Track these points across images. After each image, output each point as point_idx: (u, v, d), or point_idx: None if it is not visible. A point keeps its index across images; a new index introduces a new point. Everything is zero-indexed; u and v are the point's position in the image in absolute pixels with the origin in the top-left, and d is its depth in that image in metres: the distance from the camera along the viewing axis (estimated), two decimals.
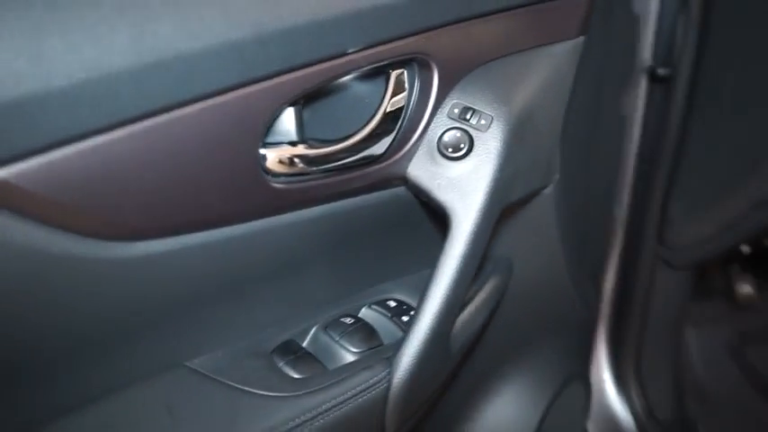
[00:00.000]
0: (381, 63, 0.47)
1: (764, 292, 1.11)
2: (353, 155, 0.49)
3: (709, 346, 1.10)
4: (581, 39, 0.58)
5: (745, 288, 1.07)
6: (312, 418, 0.47)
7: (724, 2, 0.75)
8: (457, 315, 0.53)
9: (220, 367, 0.49)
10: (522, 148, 0.52)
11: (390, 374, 0.50)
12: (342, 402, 0.48)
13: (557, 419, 0.73)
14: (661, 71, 0.82)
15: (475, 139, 0.49)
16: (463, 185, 0.49)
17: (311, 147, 0.48)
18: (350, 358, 0.52)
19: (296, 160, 0.48)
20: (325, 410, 0.48)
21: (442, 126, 0.50)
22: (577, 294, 0.77)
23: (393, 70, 0.49)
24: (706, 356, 1.08)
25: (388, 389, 0.51)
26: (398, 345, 0.51)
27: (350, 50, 0.45)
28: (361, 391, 0.49)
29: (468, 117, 0.50)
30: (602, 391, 0.88)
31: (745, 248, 0.90)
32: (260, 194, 0.46)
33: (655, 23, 0.78)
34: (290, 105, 0.47)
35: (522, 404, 0.72)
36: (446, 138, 0.50)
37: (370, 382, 0.50)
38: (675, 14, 0.79)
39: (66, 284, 0.41)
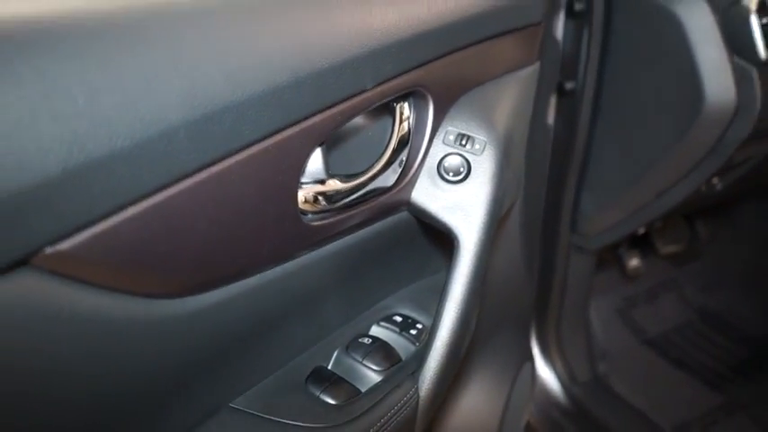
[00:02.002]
0: (390, 97, 0.52)
1: (648, 264, 1.31)
2: (369, 187, 0.54)
3: (605, 312, 1.28)
4: (538, 63, 0.67)
5: (634, 262, 1.25)
6: None
7: (620, 25, 0.89)
8: (472, 327, 0.60)
9: (262, 403, 0.51)
10: (509, 168, 0.60)
11: (417, 390, 0.56)
12: (383, 424, 0.54)
13: (516, 398, 0.84)
14: (568, 85, 0.95)
15: (472, 163, 0.56)
16: (466, 207, 0.56)
17: (334, 183, 0.52)
18: (376, 377, 0.57)
19: (319, 197, 0.52)
20: (367, 428, 0.53)
21: (440, 152, 0.56)
22: (528, 284, 0.87)
23: (397, 103, 0.55)
24: (603, 321, 1.25)
25: (417, 403, 0.57)
26: (420, 360, 0.57)
27: (368, 87, 0.49)
28: (396, 410, 0.55)
29: (463, 143, 0.56)
30: (532, 365, 1.01)
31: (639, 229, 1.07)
32: (297, 235, 0.50)
33: (562, 44, 0.91)
34: (319, 145, 0.50)
35: (490, 389, 0.82)
36: (446, 163, 0.56)
37: (403, 400, 0.55)
38: (580, 36, 0.92)
39: (119, 344, 0.41)
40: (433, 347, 0.57)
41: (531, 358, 0.90)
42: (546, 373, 1.06)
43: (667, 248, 1.33)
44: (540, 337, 1.08)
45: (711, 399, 1.14)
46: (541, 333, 1.08)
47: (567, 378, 1.06)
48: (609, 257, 1.30)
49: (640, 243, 1.29)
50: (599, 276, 1.27)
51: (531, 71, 0.66)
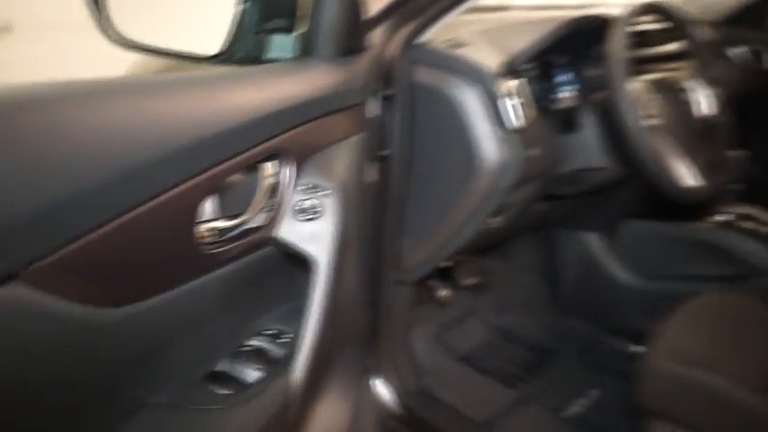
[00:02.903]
0: (260, 158, 0.71)
1: (455, 295, 1.60)
2: (246, 226, 0.72)
3: (426, 336, 1.53)
4: (362, 134, 0.90)
5: (443, 292, 1.53)
6: (248, 416, 0.67)
7: (420, 106, 1.16)
8: (328, 330, 0.78)
9: (174, 397, 0.65)
10: (349, 209, 0.81)
11: (289, 380, 0.74)
12: (265, 405, 0.70)
13: (361, 405, 1.02)
14: (384, 152, 1.20)
15: (323, 206, 0.76)
16: (319, 238, 0.75)
17: (221, 223, 0.69)
18: (257, 374, 0.74)
19: (211, 233, 0.68)
20: (254, 411, 0.69)
21: (299, 198, 0.76)
22: (364, 311, 1.08)
23: (263, 163, 0.73)
24: (425, 344, 1.50)
25: (289, 390, 0.74)
26: (289, 359, 0.74)
27: (246, 148, 0.68)
28: (275, 395, 0.71)
29: (316, 191, 0.76)
30: (372, 379, 1.21)
31: (445, 264, 1.33)
32: (195, 261, 0.66)
33: (380, 120, 1.16)
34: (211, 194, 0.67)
35: (339, 397, 0.99)
36: (303, 206, 0.76)
37: (279, 387, 0.72)
38: (392, 114, 1.18)
39: (72, 343, 0.55)
40: (300, 349, 0.75)
41: (371, 373, 1.10)
42: (381, 387, 1.27)
43: (467, 281, 1.63)
44: (377, 356, 1.28)
45: (510, 395, 1.43)
46: (377, 353, 1.28)
47: (398, 390, 1.27)
48: (425, 292, 1.56)
49: (448, 277, 1.58)
50: (420, 307, 1.52)
51: (358, 139, 0.89)
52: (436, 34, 1.12)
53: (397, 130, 1.15)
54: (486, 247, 1.62)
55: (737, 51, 1.88)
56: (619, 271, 1.58)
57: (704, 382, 0.98)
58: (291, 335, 0.79)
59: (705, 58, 1.28)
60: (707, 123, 1.25)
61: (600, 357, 1.57)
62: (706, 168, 1.17)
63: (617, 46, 1.09)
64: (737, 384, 0.95)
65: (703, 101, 1.23)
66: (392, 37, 1.05)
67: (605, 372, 1.52)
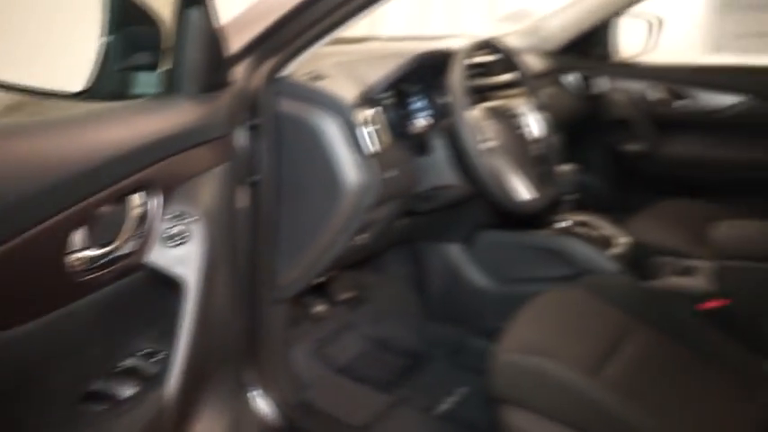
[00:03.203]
0: (129, 190, 0.76)
1: (331, 310, 1.69)
2: (118, 253, 0.76)
3: (305, 352, 1.60)
4: (228, 163, 0.97)
5: (318, 308, 1.61)
6: (121, 429, 0.71)
7: (287, 133, 1.24)
8: (200, 346, 0.84)
9: (52, 420, 0.68)
10: (217, 234, 0.87)
11: (162, 394, 0.78)
12: (140, 417, 0.74)
13: (242, 420, 1.07)
14: (254, 178, 1.27)
15: (191, 231, 0.82)
16: (189, 262, 0.81)
17: (93, 251, 0.73)
18: (133, 390, 0.78)
19: (77, 262, 0.72)
20: (128, 423, 0.73)
21: (168, 225, 0.81)
22: (239, 330, 1.13)
23: (131, 195, 0.78)
24: (305, 359, 1.57)
25: (161, 402, 0.78)
26: (162, 375, 0.79)
27: (113, 182, 0.73)
28: (149, 407, 0.76)
29: (184, 218, 0.82)
30: (252, 393, 1.26)
31: (320, 280, 1.42)
32: (67, 289, 0.69)
33: (249, 148, 1.23)
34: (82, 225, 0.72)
35: (217, 414, 1.03)
36: (172, 232, 0.81)
37: (154, 400, 0.77)
38: (259, 143, 1.25)
39: None
40: (173, 364, 0.80)
41: (250, 387, 1.15)
42: (261, 401, 1.32)
43: (342, 296, 1.73)
44: (256, 372, 1.33)
45: (385, 399, 1.53)
46: (256, 368, 1.33)
47: (278, 402, 1.33)
48: (302, 308, 1.64)
49: (323, 293, 1.66)
50: (300, 325, 1.59)
51: (224, 168, 0.96)
52: (298, 66, 1.21)
53: (264, 157, 1.22)
54: (358, 262, 1.72)
55: (570, 78, 2.15)
56: (477, 277, 1.74)
57: (546, 368, 1.12)
58: (165, 353, 0.84)
59: (534, 86, 1.48)
60: (538, 143, 1.44)
61: (466, 358, 1.72)
62: (538, 183, 1.36)
63: (456, 77, 1.24)
64: (574, 369, 1.11)
65: (534, 124, 1.42)
66: (255, 72, 1.13)
67: (471, 371, 1.67)
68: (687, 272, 1.59)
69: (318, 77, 1.23)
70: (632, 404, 1.03)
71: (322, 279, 1.42)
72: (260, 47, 1.13)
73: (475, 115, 1.29)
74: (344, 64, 1.31)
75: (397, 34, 1.82)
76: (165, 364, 0.80)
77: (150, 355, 0.83)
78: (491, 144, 1.28)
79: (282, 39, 1.13)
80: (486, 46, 1.37)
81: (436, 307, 1.82)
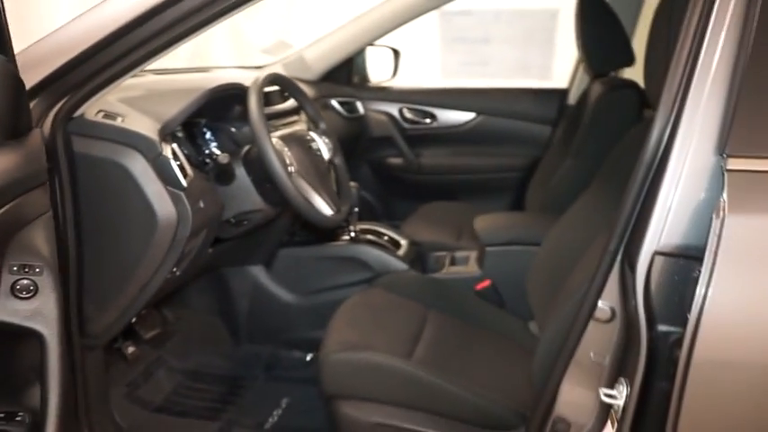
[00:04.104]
0: None
1: (141, 350, 1.64)
2: None
3: (119, 398, 1.54)
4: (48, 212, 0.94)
5: (131, 349, 1.56)
6: None
7: (86, 173, 1.20)
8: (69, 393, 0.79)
9: None
10: (61, 281, 0.84)
11: None
12: None
13: None
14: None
15: (38, 283, 0.79)
16: (45, 315, 0.78)
17: None
18: None
19: None
20: None
21: (11, 280, 0.77)
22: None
23: None
24: (119, 405, 1.51)
25: None
26: None
27: None
28: None
29: (26, 270, 0.79)
30: None
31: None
32: None
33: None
34: None
35: None
36: (18, 286, 0.77)
37: None
38: (54, 186, 1.19)
39: None
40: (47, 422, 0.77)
41: None
42: None
43: (149, 334, 1.69)
44: (86, 421, 1.25)
45: (214, 426, 1.55)
46: (79, 421, 1.26)
47: None
48: (114, 352, 1.56)
49: (132, 335, 1.61)
50: (115, 369, 1.52)
51: (46, 217, 0.93)
52: (86, 106, 1.18)
53: (59, 200, 1.17)
54: (163, 298, 1.70)
55: (333, 102, 2.38)
56: (282, 293, 1.85)
57: (370, 360, 1.28)
58: (23, 413, 0.79)
59: (312, 111, 1.64)
60: (329, 164, 1.61)
61: (282, 371, 1.81)
62: (336, 199, 1.52)
63: (254, 107, 1.34)
64: (393, 356, 1.28)
65: (323, 147, 1.58)
66: (47, 113, 1.09)
67: (289, 381, 1.76)
68: (460, 261, 1.91)
69: (113, 115, 1.22)
70: (440, 373, 1.25)
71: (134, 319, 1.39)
72: (52, 86, 1.09)
73: (276, 142, 1.40)
74: (132, 100, 1.31)
75: (176, 67, 1.84)
76: (30, 423, 0.75)
77: (12, 415, 0.77)
78: (292, 168, 1.40)
79: (72, 81, 1.10)
80: (274, 80, 1.50)
81: (246, 329, 1.87)
